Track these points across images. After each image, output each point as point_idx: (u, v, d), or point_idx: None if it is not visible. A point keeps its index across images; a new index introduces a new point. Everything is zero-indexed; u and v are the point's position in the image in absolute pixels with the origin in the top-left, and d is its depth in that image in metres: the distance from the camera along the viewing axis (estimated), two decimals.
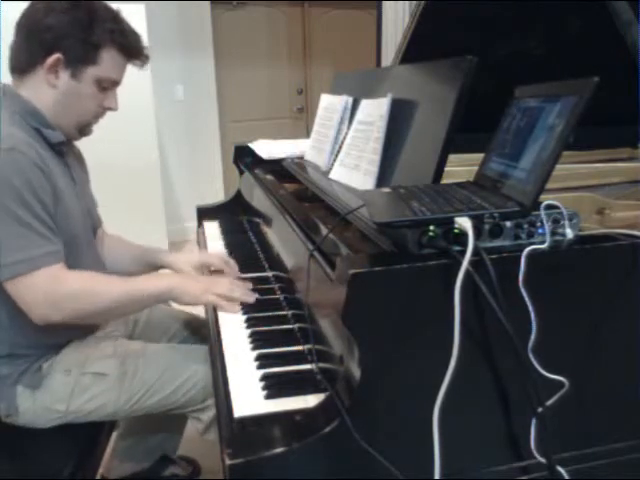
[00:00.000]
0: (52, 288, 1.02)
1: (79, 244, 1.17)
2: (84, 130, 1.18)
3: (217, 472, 1.51)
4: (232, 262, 1.35)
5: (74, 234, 1.14)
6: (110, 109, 1.18)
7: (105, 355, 1.18)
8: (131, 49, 1.14)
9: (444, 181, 0.91)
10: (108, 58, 1.11)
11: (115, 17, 1.12)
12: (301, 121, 4.77)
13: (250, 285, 1.22)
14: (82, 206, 1.21)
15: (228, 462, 0.68)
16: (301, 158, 1.63)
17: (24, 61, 1.09)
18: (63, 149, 1.16)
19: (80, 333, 1.21)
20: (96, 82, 1.11)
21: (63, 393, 1.13)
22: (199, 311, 1.38)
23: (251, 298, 1.18)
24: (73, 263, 1.11)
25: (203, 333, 1.37)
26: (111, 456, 1.53)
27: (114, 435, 1.46)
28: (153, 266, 1.45)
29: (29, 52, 1.08)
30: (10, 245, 0.98)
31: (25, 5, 1.10)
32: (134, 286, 1.11)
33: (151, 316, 1.45)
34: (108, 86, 1.14)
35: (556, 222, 0.72)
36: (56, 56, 1.06)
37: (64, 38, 1.06)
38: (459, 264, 0.66)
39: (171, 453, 1.56)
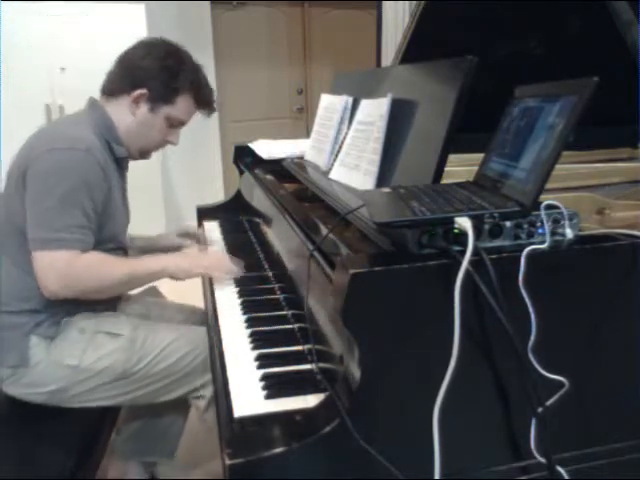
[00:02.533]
0: (65, 269, 1.12)
1: (118, 244, 1.31)
2: (144, 155, 1.38)
3: (217, 472, 1.51)
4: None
5: (115, 234, 1.29)
6: (171, 143, 1.37)
7: (119, 319, 1.30)
8: (203, 99, 1.34)
9: (444, 181, 0.91)
10: (182, 102, 1.30)
11: (198, 70, 1.32)
12: (301, 121, 4.77)
13: (236, 260, 1.36)
14: (127, 214, 1.40)
15: (228, 462, 0.68)
16: (301, 158, 1.63)
17: (115, 88, 1.29)
18: (123, 164, 1.36)
19: (105, 303, 1.30)
20: (167, 119, 1.30)
21: (77, 348, 1.20)
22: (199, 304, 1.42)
23: (238, 268, 1.33)
24: None
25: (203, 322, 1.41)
26: (111, 452, 1.53)
27: (113, 436, 1.47)
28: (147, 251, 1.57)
29: (121, 82, 1.28)
30: (47, 223, 1.12)
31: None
32: (134, 267, 1.23)
33: (154, 309, 1.50)
34: (176, 125, 1.34)
35: (556, 222, 0.72)
36: (141, 91, 1.26)
37: (152, 79, 1.26)
38: (459, 264, 0.66)
39: (175, 440, 1.55)
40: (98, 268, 1.18)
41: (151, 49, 1.28)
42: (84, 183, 1.14)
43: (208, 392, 1.21)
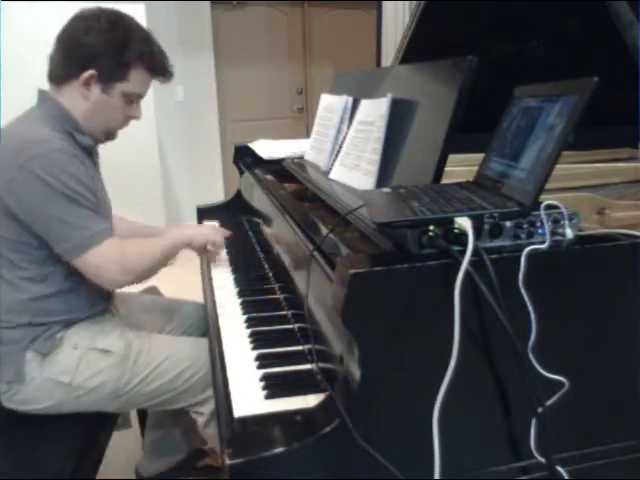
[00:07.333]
0: (120, 255, 1.14)
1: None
2: (110, 136, 1.29)
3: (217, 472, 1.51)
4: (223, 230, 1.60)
5: (108, 221, 1.25)
6: (134, 118, 1.28)
7: (113, 335, 1.24)
8: (157, 68, 1.24)
9: (444, 181, 0.91)
10: (136, 76, 1.20)
11: (147, 39, 1.22)
12: (301, 121, 4.78)
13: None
14: (108, 198, 1.34)
15: (228, 462, 0.68)
16: (301, 158, 1.63)
17: (62, 73, 1.18)
18: (93, 152, 1.28)
19: (101, 308, 1.28)
20: (124, 96, 1.21)
21: (69, 365, 1.17)
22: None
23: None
24: None
25: (203, 325, 1.40)
26: (143, 453, 1.54)
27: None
28: None
29: (67, 66, 1.17)
30: (73, 227, 1.09)
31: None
32: (163, 242, 1.26)
33: (152, 307, 1.49)
34: (134, 99, 1.24)
35: (556, 222, 0.72)
36: (90, 72, 1.15)
37: (99, 57, 1.15)
38: (459, 264, 0.66)
39: (203, 443, 1.55)
40: (143, 248, 1.21)
41: (92, 23, 1.14)
42: (74, 177, 1.09)
43: (207, 409, 1.19)
